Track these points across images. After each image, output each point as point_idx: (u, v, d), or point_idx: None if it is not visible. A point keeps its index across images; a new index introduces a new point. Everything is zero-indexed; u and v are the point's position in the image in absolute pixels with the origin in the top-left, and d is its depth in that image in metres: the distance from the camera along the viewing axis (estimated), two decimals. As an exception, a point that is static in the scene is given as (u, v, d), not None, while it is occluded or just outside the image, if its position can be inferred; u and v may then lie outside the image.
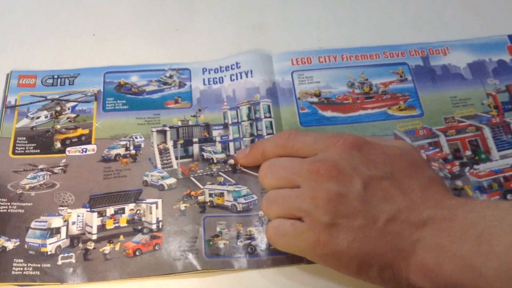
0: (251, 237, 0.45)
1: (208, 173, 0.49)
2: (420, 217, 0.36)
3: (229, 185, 0.48)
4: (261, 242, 0.44)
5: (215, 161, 0.50)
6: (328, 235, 0.37)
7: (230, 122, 0.53)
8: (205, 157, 0.51)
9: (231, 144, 0.51)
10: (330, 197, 0.37)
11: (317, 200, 0.37)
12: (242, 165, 0.49)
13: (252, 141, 0.51)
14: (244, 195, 0.47)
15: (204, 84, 0.55)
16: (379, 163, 0.39)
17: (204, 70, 0.56)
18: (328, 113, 0.53)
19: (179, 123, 0.52)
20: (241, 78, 0.55)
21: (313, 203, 0.37)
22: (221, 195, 0.47)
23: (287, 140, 0.43)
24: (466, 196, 0.47)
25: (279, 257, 0.43)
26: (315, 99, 0.54)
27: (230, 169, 0.49)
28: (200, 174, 0.49)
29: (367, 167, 0.38)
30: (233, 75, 0.55)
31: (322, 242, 0.37)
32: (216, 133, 0.52)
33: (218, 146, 0.51)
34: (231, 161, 0.50)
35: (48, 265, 0.43)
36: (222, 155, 0.50)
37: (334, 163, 0.38)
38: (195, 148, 0.51)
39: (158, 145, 0.51)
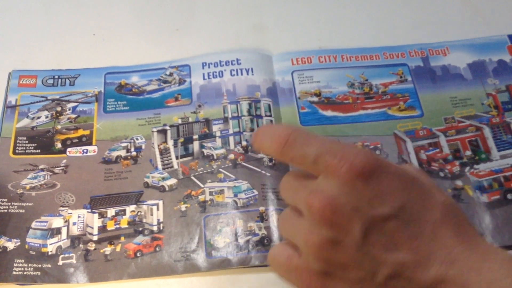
0: (251, 233, 0.45)
1: (208, 170, 0.49)
2: (427, 276, 0.32)
3: (229, 181, 0.48)
4: (262, 238, 0.44)
5: (215, 157, 0.50)
6: (321, 283, 0.34)
7: (230, 116, 0.53)
8: (205, 154, 0.51)
9: (231, 139, 0.51)
10: (322, 244, 0.32)
11: (309, 243, 0.33)
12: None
13: (254, 136, 0.51)
14: (244, 190, 0.47)
15: (204, 79, 0.55)
16: (388, 194, 0.33)
17: (204, 64, 0.55)
18: (328, 113, 0.53)
19: (179, 121, 0.52)
20: (241, 74, 0.54)
21: (306, 245, 0.33)
22: (221, 192, 0.47)
23: (284, 147, 0.35)
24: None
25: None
26: (315, 99, 0.54)
27: (230, 164, 0.50)
28: (200, 172, 0.49)
29: (371, 204, 0.32)
30: (234, 70, 0.55)
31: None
32: (216, 127, 0.52)
33: (218, 142, 0.51)
34: (231, 156, 0.50)
35: (49, 266, 0.44)
36: (222, 151, 0.50)
37: (331, 200, 0.32)
38: (195, 146, 0.51)
39: (158, 145, 0.51)
